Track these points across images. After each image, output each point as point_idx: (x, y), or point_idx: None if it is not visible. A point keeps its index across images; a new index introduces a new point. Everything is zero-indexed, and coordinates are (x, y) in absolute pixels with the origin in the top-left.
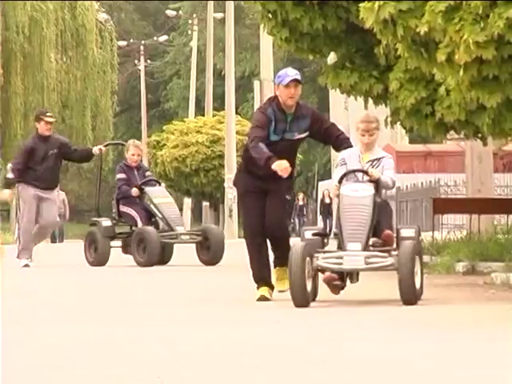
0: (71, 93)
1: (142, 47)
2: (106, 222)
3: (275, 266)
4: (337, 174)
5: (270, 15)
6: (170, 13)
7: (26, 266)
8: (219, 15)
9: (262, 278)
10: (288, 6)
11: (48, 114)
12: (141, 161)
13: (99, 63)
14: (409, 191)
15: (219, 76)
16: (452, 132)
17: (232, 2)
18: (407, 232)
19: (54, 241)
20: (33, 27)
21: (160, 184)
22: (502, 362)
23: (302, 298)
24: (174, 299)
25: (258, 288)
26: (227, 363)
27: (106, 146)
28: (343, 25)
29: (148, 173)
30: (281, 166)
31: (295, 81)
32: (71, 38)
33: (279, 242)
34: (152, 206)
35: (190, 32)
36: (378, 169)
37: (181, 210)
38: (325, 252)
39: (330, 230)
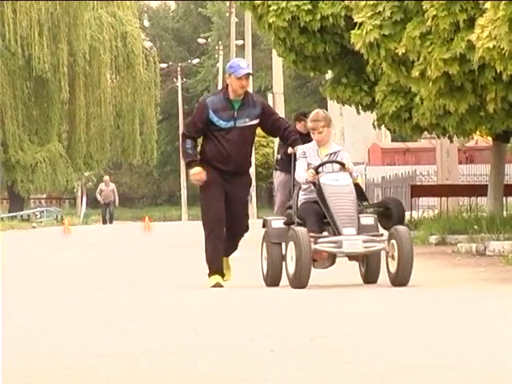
0: (123, 105)
1: (178, 68)
2: None
3: (225, 255)
4: (300, 164)
5: (280, 41)
6: (201, 40)
7: None
8: (240, 42)
9: (218, 266)
10: (295, 33)
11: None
12: None
13: (145, 81)
14: (391, 180)
15: None
16: (425, 132)
17: (250, 30)
18: (367, 220)
19: (105, 222)
20: (92, 53)
21: None
22: (467, 313)
23: (307, 281)
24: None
25: (210, 275)
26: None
27: None
28: (338, 48)
29: None
30: (196, 176)
31: (247, 74)
32: (123, 62)
33: (239, 238)
34: None
35: (216, 56)
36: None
37: None
38: (321, 237)
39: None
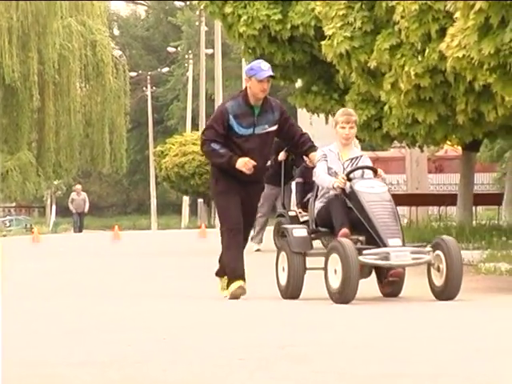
0: (93, 114)
1: (148, 77)
2: (291, 213)
3: (224, 275)
4: (320, 167)
5: (250, 50)
6: (170, 49)
7: None
8: (210, 51)
9: (242, 272)
10: (264, 43)
11: None
12: None
13: (115, 90)
14: None
15: (210, 99)
16: (395, 142)
17: (220, 39)
18: None
19: (75, 230)
20: (62, 62)
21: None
22: (438, 322)
23: (353, 296)
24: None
25: (234, 281)
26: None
27: (286, 150)
28: (308, 57)
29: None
30: (246, 165)
31: (269, 77)
32: (92, 71)
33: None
34: None
35: (186, 64)
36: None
37: (180, 205)
38: (365, 249)
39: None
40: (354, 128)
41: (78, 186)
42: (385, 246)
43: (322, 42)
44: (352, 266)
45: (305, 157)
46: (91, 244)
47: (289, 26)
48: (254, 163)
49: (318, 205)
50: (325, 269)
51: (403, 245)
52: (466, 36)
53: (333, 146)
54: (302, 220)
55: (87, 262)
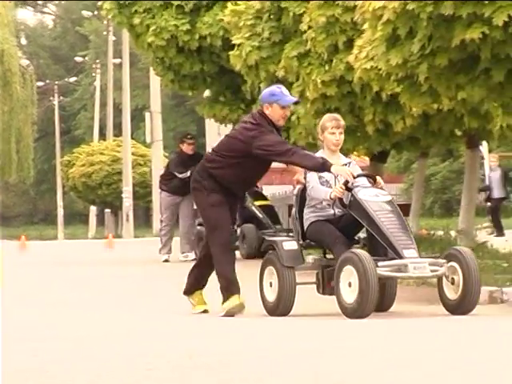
0: None
1: (55, 86)
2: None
3: (194, 292)
4: (312, 178)
5: (158, 60)
6: (78, 59)
7: None
8: (117, 60)
9: (238, 287)
10: (172, 53)
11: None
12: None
13: (22, 99)
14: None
15: (117, 109)
16: None
17: (127, 49)
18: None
19: None
20: None
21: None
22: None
23: (371, 311)
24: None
25: (232, 295)
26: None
27: None
28: (216, 67)
29: None
30: (348, 173)
31: (295, 102)
32: None
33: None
34: (253, 207)
35: (94, 74)
36: None
37: (87, 216)
38: (379, 260)
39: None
40: (342, 134)
41: None
42: (400, 257)
43: (231, 52)
44: (371, 279)
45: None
46: None
47: (197, 36)
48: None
49: (309, 214)
50: (336, 282)
51: (419, 256)
52: (374, 47)
53: (319, 153)
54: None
55: None
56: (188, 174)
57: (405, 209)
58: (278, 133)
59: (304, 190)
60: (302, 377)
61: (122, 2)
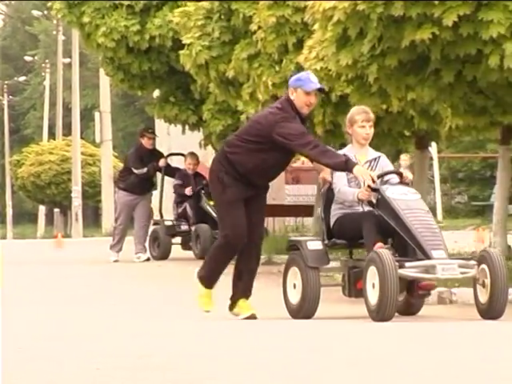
0: None
1: (5, 86)
2: (167, 222)
3: (241, 298)
4: (339, 179)
5: (108, 60)
6: (27, 58)
7: None
8: (67, 60)
9: (213, 284)
10: (122, 53)
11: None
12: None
13: None
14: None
15: (67, 108)
16: None
17: (77, 49)
18: None
19: None
20: None
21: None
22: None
23: (393, 313)
24: None
25: (203, 289)
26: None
27: (167, 156)
28: (166, 67)
29: (204, 181)
30: (369, 176)
31: (319, 90)
32: None
33: (255, 263)
34: (208, 207)
35: (43, 74)
36: (376, 169)
37: (36, 215)
38: (406, 261)
39: None
40: (372, 127)
41: None
42: (428, 258)
43: (181, 52)
44: (391, 280)
45: (161, 161)
46: None
47: (147, 36)
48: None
49: (335, 211)
50: (364, 283)
51: (448, 257)
52: (324, 48)
53: (347, 148)
54: (179, 230)
55: None
56: (145, 170)
57: None
58: (301, 122)
59: (330, 189)
60: (252, 376)
61: (71, 1)
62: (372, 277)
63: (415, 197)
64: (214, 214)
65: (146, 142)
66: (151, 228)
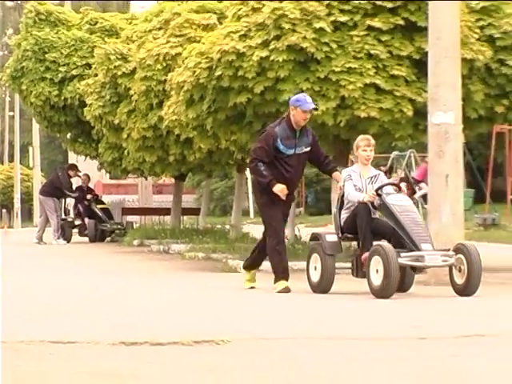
0: None
1: None
2: (69, 218)
3: (251, 270)
4: (349, 186)
5: (37, 113)
6: None
7: None
8: (11, 113)
9: (287, 274)
10: (46, 109)
11: None
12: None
13: None
14: (111, 204)
15: (11, 144)
16: (131, 174)
17: (18, 105)
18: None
19: None
20: None
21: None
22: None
23: (393, 292)
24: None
25: (278, 280)
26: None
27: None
28: (75, 118)
29: (93, 192)
30: (283, 191)
31: (313, 109)
32: None
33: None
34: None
35: None
36: (377, 182)
37: None
38: (401, 252)
39: None
40: (373, 151)
41: None
42: (418, 249)
43: (85, 109)
44: (393, 267)
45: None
46: None
47: (63, 98)
48: (287, 192)
49: (344, 215)
50: (367, 269)
51: (433, 249)
52: (178, 106)
53: (354, 167)
54: (76, 224)
55: None
56: (74, 195)
57: (196, 211)
58: (301, 132)
59: (343, 195)
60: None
61: (14, 74)
62: (376, 264)
63: (408, 203)
64: (99, 213)
65: (73, 174)
66: (60, 222)
